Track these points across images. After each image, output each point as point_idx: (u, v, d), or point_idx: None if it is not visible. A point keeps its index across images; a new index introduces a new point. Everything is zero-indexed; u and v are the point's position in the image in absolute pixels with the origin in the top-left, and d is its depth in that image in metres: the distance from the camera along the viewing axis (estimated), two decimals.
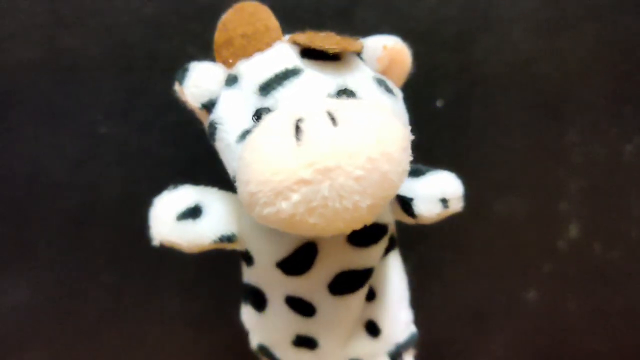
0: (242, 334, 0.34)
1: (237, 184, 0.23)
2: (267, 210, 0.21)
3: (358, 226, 0.22)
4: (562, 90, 0.42)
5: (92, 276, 0.41)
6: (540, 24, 0.40)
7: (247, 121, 0.25)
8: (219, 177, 0.31)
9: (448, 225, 0.38)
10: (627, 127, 0.42)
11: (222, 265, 0.37)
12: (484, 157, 0.42)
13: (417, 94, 0.28)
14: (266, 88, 0.25)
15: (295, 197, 0.20)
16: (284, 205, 0.20)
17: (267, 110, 0.24)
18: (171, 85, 0.38)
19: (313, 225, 0.21)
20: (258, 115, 0.24)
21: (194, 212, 0.28)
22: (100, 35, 0.37)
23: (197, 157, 0.39)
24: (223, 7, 0.37)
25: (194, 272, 0.41)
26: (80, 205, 0.39)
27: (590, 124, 0.42)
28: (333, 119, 0.21)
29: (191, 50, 0.38)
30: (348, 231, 0.22)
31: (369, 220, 0.22)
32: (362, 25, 0.39)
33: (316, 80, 0.25)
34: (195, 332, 0.43)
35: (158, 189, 0.29)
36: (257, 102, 0.25)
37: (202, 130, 0.38)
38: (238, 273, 0.33)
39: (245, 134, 0.24)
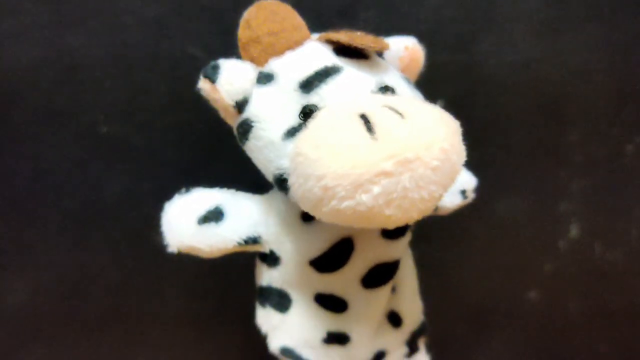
0: (242, 334, 0.33)
1: (297, 180, 0.22)
2: (345, 204, 0.20)
3: (422, 216, 0.22)
4: (563, 91, 0.42)
5: (94, 276, 0.41)
6: (541, 24, 0.40)
7: (291, 118, 0.25)
8: (220, 177, 0.31)
9: (449, 225, 0.38)
10: (628, 127, 0.42)
11: (224, 266, 0.37)
12: (485, 157, 0.42)
13: None
14: (308, 85, 0.25)
15: (376, 189, 0.20)
16: (364, 197, 0.20)
17: (315, 107, 0.24)
18: (172, 85, 0.38)
19: (388, 217, 0.21)
20: (306, 112, 0.24)
21: (215, 215, 0.27)
22: (102, 35, 0.37)
23: (198, 157, 0.39)
24: (223, 8, 0.37)
25: (196, 272, 0.41)
26: (82, 205, 0.39)
27: (591, 124, 0.42)
28: (399, 114, 0.21)
29: (192, 51, 0.38)
30: (412, 222, 0.22)
31: (432, 209, 0.22)
32: (364, 26, 0.39)
33: (357, 78, 0.25)
34: (197, 333, 0.43)
35: (159, 189, 0.29)
36: (299, 99, 0.25)
37: (203, 130, 0.39)
38: (240, 274, 0.33)
39: (292, 131, 0.24)
